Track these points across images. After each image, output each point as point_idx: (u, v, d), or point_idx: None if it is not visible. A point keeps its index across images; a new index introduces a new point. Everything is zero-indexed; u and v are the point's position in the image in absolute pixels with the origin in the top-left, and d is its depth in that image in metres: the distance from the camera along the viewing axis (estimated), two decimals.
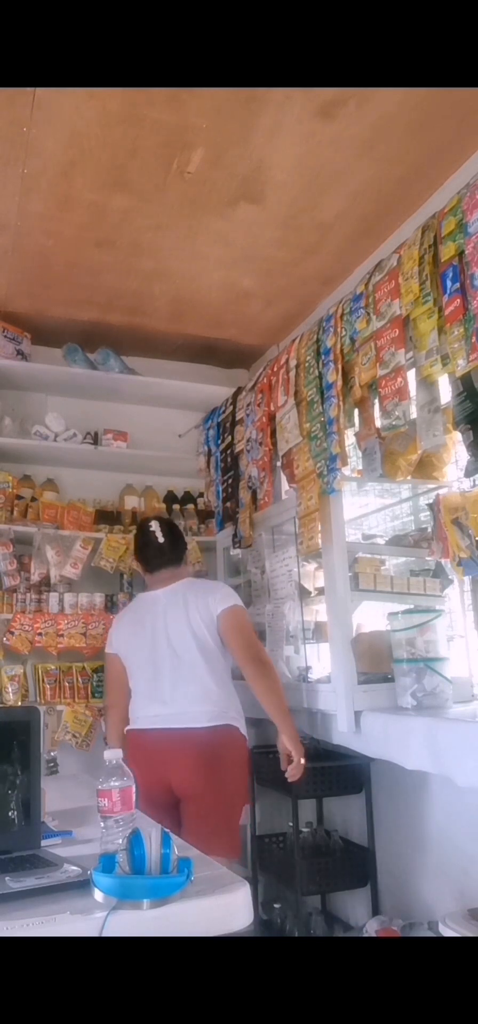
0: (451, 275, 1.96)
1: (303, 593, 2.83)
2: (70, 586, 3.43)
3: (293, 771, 2.42)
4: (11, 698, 3.17)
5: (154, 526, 2.66)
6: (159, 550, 2.63)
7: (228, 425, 3.48)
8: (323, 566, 2.64)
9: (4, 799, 1.48)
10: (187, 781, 2.36)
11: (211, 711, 2.40)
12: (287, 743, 2.42)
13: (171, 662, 2.47)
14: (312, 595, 2.85)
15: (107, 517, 3.57)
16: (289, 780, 2.46)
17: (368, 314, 2.32)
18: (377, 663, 2.45)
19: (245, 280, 3.25)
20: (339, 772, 2.77)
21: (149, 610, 2.59)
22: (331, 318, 2.56)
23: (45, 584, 3.36)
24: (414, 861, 2.63)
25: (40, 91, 2.18)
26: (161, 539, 2.63)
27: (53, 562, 3.31)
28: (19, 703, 3.14)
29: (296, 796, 2.71)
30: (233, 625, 2.48)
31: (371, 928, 2.56)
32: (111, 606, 3.46)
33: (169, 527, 2.71)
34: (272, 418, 2.99)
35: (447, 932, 1.73)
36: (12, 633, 3.23)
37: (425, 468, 2.72)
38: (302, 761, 2.42)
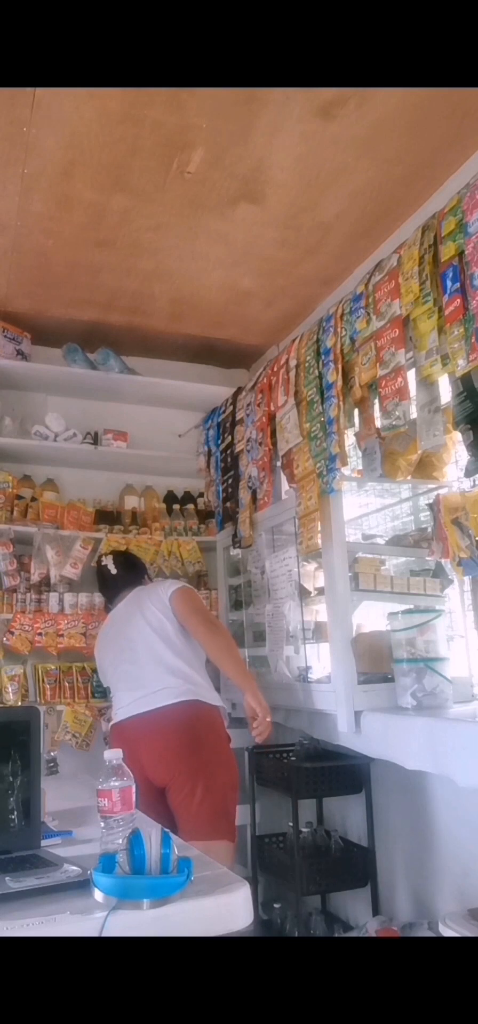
0: (451, 275, 1.96)
1: (303, 593, 2.83)
2: (70, 586, 3.43)
3: (259, 728, 2.43)
4: (11, 698, 3.17)
5: (105, 560, 2.92)
6: (113, 580, 2.87)
7: (228, 425, 3.48)
8: (323, 566, 2.64)
9: (4, 799, 1.48)
10: (157, 765, 2.35)
11: (175, 687, 2.43)
12: (251, 701, 2.43)
13: (132, 657, 2.55)
14: (312, 595, 2.85)
15: (107, 517, 3.57)
16: (258, 740, 2.48)
17: (368, 314, 2.32)
18: (377, 663, 2.45)
19: (245, 280, 3.26)
20: (339, 772, 2.77)
21: (112, 625, 2.77)
22: (331, 318, 2.56)
23: (45, 584, 3.36)
24: (414, 861, 2.63)
25: (40, 91, 2.18)
26: (113, 571, 2.87)
27: (53, 562, 3.31)
28: (19, 703, 3.14)
29: (296, 796, 2.71)
30: (182, 600, 2.59)
31: (371, 928, 2.57)
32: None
33: (123, 558, 2.97)
34: (272, 418, 2.99)
35: (447, 932, 1.73)
36: (12, 633, 3.23)
37: (425, 468, 2.72)
38: (268, 719, 2.43)
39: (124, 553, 3.11)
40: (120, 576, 2.85)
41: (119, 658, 2.62)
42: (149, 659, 2.51)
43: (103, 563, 2.92)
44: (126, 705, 2.51)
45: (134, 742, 2.34)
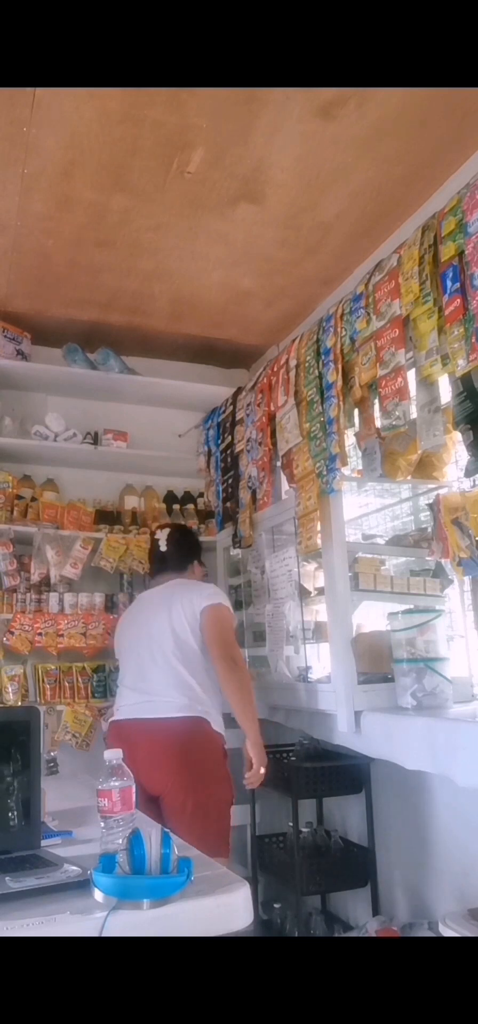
0: (451, 275, 1.96)
1: (303, 593, 2.83)
2: (70, 586, 3.43)
3: (251, 778, 2.41)
4: (11, 698, 3.17)
5: (159, 535, 2.82)
6: (161, 558, 2.78)
7: (228, 425, 3.48)
8: (323, 566, 2.64)
9: (4, 799, 1.48)
10: (152, 774, 2.32)
11: (181, 702, 2.41)
12: (249, 749, 2.41)
13: (149, 655, 2.51)
14: (312, 595, 2.85)
15: (107, 517, 3.57)
16: (247, 787, 2.47)
17: (368, 314, 2.32)
18: (377, 663, 2.45)
19: (245, 280, 3.26)
20: (339, 772, 2.77)
21: (140, 609, 2.72)
22: (331, 318, 2.56)
23: (45, 584, 3.36)
24: (414, 861, 2.63)
25: (40, 91, 2.18)
26: (163, 548, 2.77)
27: (53, 562, 3.31)
28: (19, 703, 3.14)
29: (296, 796, 2.71)
30: (212, 621, 2.50)
31: (371, 928, 2.57)
32: (111, 606, 3.47)
33: (177, 537, 2.83)
34: (272, 418, 2.99)
35: (447, 932, 1.73)
36: (12, 633, 3.23)
37: (425, 468, 2.72)
38: (262, 771, 2.40)
39: (180, 530, 2.97)
40: (169, 554, 2.76)
41: (135, 651, 2.58)
42: (163, 666, 2.47)
43: (156, 536, 2.83)
44: (129, 705, 2.50)
45: (132, 744, 2.32)
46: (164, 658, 2.47)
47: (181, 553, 2.78)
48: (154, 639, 2.52)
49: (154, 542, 2.85)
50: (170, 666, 2.46)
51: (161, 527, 2.95)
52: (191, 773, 2.34)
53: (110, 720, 2.58)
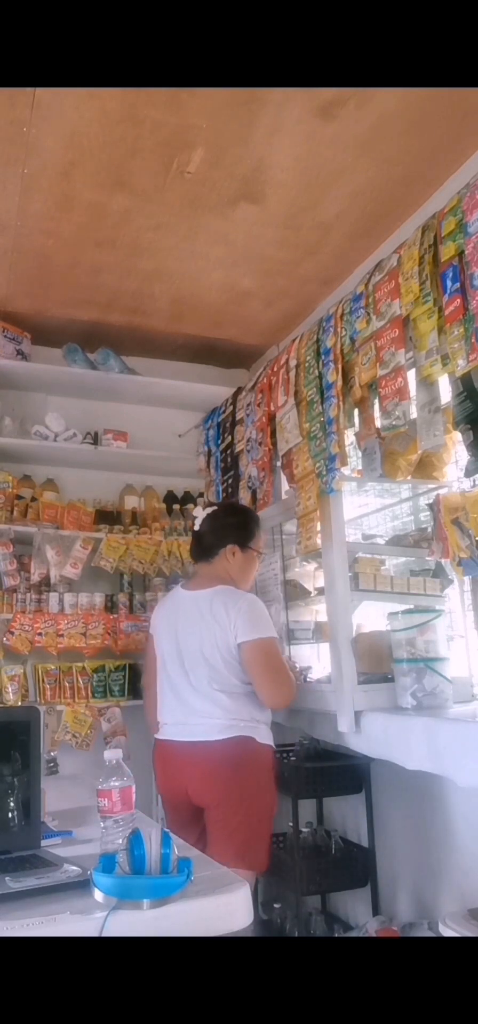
0: (451, 275, 1.96)
1: (303, 593, 2.83)
2: (70, 586, 3.43)
3: None
4: (11, 698, 3.17)
5: (197, 512, 2.60)
6: (195, 538, 2.58)
7: (228, 425, 3.48)
8: (323, 566, 2.64)
9: (4, 799, 1.48)
10: (201, 790, 2.33)
11: (223, 723, 2.32)
12: None
13: (185, 678, 2.40)
14: (312, 595, 2.85)
15: (107, 517, 3.57)
16: None
17: (368, 314, 2.32)
18: (377, 663, 2.45)
19: (245, 280, 3.26)
20: (339, 772, 2.77)
21: (177, 611, 2.50)
22: (331, 318, 2.56)
23: (45, 584, 3.36)
24: (414, 861, 2.63)
25: (40, 91, 2.18)
26: (196, 527, 2.56)
27: (53, 562, 3.31)
28: (19, 703, 3.14)
29: (296, 796, 2.71)
30: (255, 664, 2.34)
31: (371, 928, 2.57)
32: (111, 606, 3.47)
33: (213, 515, 2.55)
34: (272, 418, 2.99)
35: (447, 932, 1.73)
36: (12, 633, 3.23)
37: (425, 468, 2.72)
38: None
39: (224, 508, 2.71)
40: (201, 534, 2.51)
41: (172, 666, 2.45)
42: (199, 691, 2.36)
43: (194, 514, 2.59)
44: (172, 724, 2.43)
45: (178, 764, 2.36)
46: (200, 684, 2.36)
47: (211, 532, 2.49)
48: (189, 662, 2.39)
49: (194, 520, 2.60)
50: (206, 692, 2.35)
51: (208, 503, 2.70)
52: (237, 793, 2.29)
53: (156, 736, 2.50)
